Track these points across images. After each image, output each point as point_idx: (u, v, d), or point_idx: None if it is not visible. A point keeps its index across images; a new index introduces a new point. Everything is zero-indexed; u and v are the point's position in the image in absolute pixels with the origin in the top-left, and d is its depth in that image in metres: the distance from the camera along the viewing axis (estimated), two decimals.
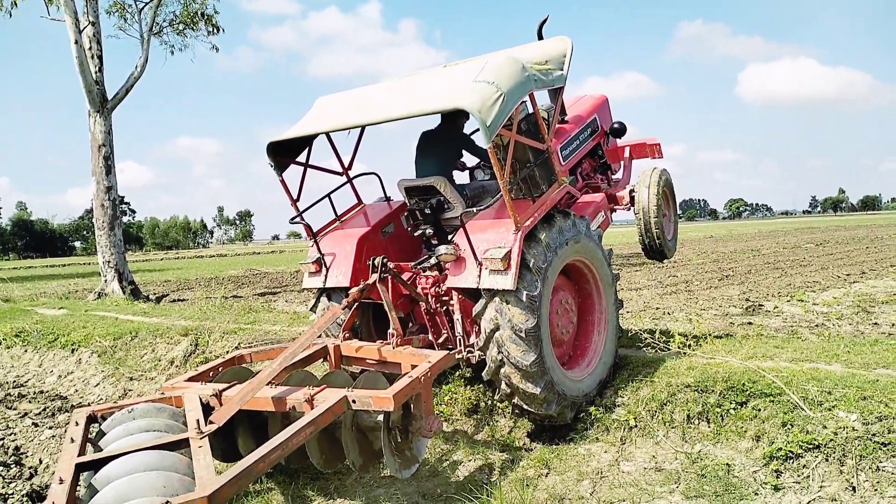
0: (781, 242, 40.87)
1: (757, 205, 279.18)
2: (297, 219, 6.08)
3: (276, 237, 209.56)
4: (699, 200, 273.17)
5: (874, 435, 4.06)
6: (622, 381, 5.64)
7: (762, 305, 13.65)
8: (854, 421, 4.16)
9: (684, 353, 5.62)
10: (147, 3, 19.36)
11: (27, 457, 5.82)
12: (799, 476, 4.13)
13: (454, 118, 6.49)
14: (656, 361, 5.71)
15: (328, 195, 6.45)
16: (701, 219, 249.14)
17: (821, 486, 4.03)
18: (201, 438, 3.90)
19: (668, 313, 12.46)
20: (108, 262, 17.89)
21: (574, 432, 5.30)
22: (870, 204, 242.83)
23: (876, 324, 10.86)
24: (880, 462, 3.95)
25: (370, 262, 5.55)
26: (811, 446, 4.15)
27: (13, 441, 6.16)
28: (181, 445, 3.92)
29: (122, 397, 8.09)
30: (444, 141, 6.61)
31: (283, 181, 5.91)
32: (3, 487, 5.10)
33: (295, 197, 6.03)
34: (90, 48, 17.41)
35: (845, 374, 4.86)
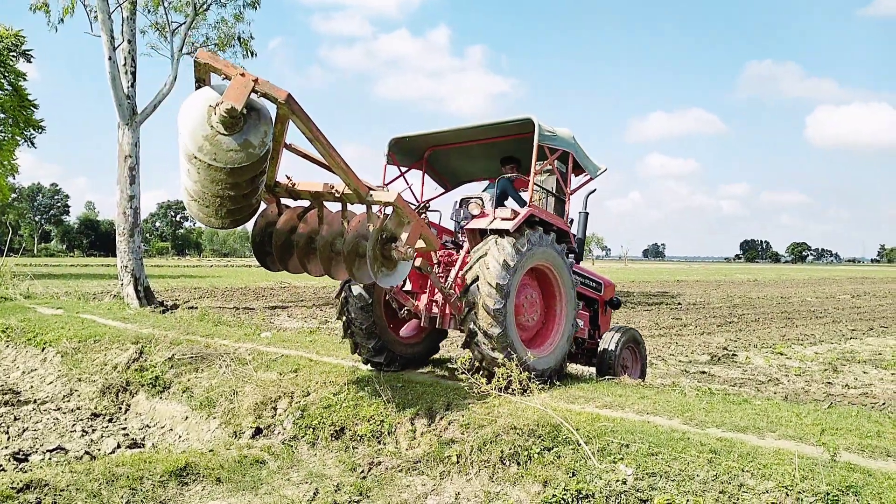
0: (818, 291, 39.68)
1: (822, 250, 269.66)
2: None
3: None
4: (761, 241, 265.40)
5: (638, 490, 4.22)
6: (460, 416, 5.85)
7: (735, 355, 13.51)
8: (629, 475, 4.33)
9: (528, 395, 5.80)
10: (180, 25, 20.47)
11: None
12: None
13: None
14: (500, 401, 5.87)
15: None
16: (762, 261, 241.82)
17: None
18: None
19: None
20: (126, 266, 18.77)
21: (405, 461, 5.53)
22: None
23: (830, 383, 10.70)
24: None
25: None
26: (582, 495, 4.32)
27: None
28: None
29: (68, 396, 8.74)
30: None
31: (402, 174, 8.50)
32: None
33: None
34: (124, 64, 18.52)
35: (666, 428, 4.98)
